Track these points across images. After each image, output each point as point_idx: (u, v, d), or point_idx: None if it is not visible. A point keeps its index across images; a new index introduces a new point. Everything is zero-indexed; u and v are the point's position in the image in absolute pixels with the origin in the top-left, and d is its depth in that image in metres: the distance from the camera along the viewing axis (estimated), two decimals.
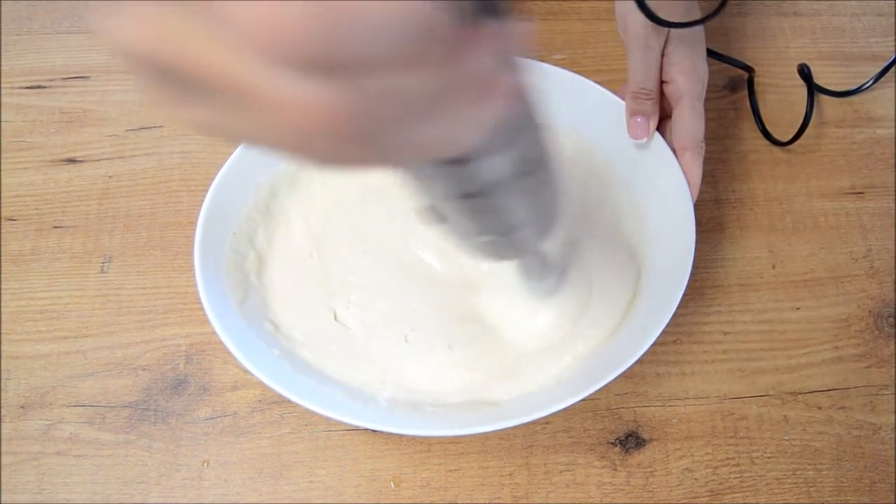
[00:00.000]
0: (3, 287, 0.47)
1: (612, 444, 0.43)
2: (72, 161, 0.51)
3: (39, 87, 0.54)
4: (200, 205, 0.42)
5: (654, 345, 0.37)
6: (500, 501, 0.42)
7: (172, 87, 0.15)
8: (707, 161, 0.45)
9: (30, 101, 0.54)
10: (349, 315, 0.43)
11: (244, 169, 0.44)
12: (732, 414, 0.44)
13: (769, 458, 0.43)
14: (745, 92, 0.54)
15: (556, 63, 0.47)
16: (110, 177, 0.51)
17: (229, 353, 0.37)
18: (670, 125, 0.45)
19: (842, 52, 0.57)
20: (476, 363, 0.41)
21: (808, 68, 0.53)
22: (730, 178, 0.52)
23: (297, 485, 0.42)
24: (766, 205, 0.51)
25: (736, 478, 0.42)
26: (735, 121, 0.54)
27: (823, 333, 0.46)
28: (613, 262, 0.44)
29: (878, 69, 0.54)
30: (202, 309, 0.38)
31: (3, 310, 0.46)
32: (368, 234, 0.45)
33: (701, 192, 0.44)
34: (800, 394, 0.45)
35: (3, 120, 0.53)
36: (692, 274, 0.40)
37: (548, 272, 0.40)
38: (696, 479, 0.42)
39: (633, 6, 0.46)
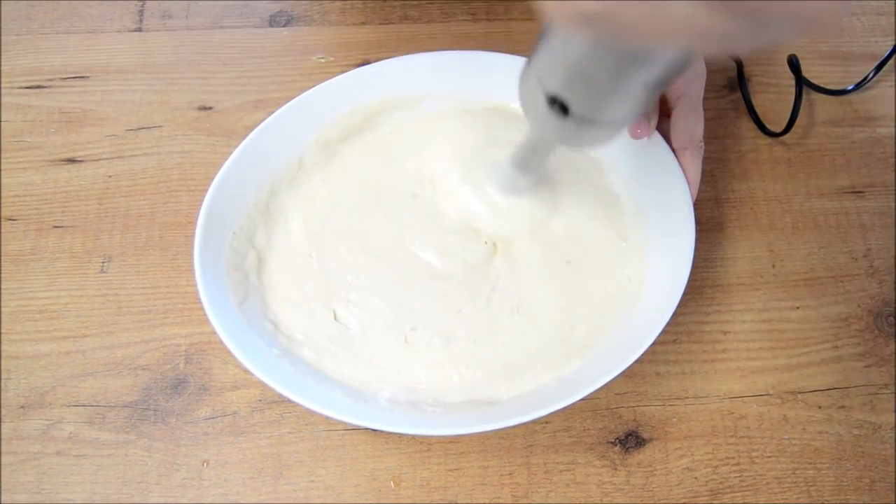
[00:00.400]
0: (2, 287, 0.47)
1: (612, 443, 0.43)
2: (71, 161, 0.51)
3: (39, 86, 0.54)
4: (200, 205, 0.42)
5: (653, 344, 0.38)
6: (500, 501, 0.42)
7: None
8: (706, 160, 0.45)
9: (29, 101, 0.54)
10: (349, 315, 0.43)
11: (244, 169, 0.44)
12: (732, 413, 0.44)
13: (769, 457, 0.43)
14: (739, 87, 0.54)
15: None
16: (110, 177, 0.51)
17: (229, 352, 0.37)
18: (669, 124, 0.45)
19: (841, 51, 0.57)
20: (476, 362, 0.41)
21: (797, 59, 0.53)
22: (729, 178, 0.52)
23: (296, 484, 0.42)
24: (766, 204, 0.51)
25: (736, 477, 0.42)
26: (734, 120, 0.54)
27: (823, 333, 0.46)
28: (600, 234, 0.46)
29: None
30: (202, 309, 0.38)
31: (2, 310, 0.46)
32: (367, 233, 0.45)
33: (700, 191, 0.44)
34: (800, 393, 0.45)
35: (2, 120, 0.53)
36: (692, 273, 0.40)
37: (536, 172, 0.43)
38: (696, 478, 0.42)
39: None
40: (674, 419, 0.44)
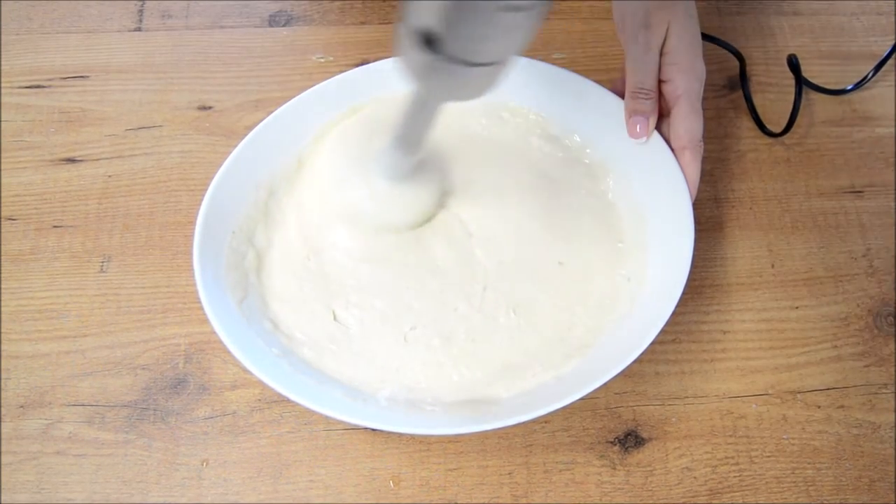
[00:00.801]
0: (2, 287, 0.47)
1: (612, 443, 0.43)
2: (71, 161, 0.51)
3: (39, 86, 0.54)
4: (199, 204, 0.42)
5: (653, 344, 0.38)
6: (500, 500, 0.42)
7: None
8: (706, 160, 0.45)
9: (29, 101, 0.54)
10: (348, 314, 0.43)
11: (243, 168, 0.44)
12: (731, 413, 0.44)
13: (768, 456, 0.43)
14: (740, 85, 0.54)
15: (555, 62, 0.48)
16: (109, 176, 0.51)
17: (228, 352, 0.37)
18: (669, 124, 0.45)
19: (841, 51, 0.57)
20: (475, 361, 0.42)
21: (797, 58, 0.53)
22: (729, 177, 0.52)
23: (296, 484, 0.42)
24: (765, 204, 0.51)
25: (735, 476, 0.42)
26: (734, 119, 0.54)
27: (822, 332, 0.46)
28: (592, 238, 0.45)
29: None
30: (201, 308, 0.38)
31: (2, 309, 0.46)
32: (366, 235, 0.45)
33: (700, 190, 0.44)
34: (799, 393, 0.45)
35: (2, 119, 0.53)
36: (691, 273, 0.40)
37: (416, 149, 0.41)
38: (695, 477, 0.42)
39: (633, 5, 0.46)
40: (673, 419, 0.44)
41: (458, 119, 0.49)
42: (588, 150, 0.48)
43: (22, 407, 0.44)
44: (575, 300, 0.43)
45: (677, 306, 0.39)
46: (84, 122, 0.53)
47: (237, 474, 0.42)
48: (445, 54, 0.30)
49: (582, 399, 0.36)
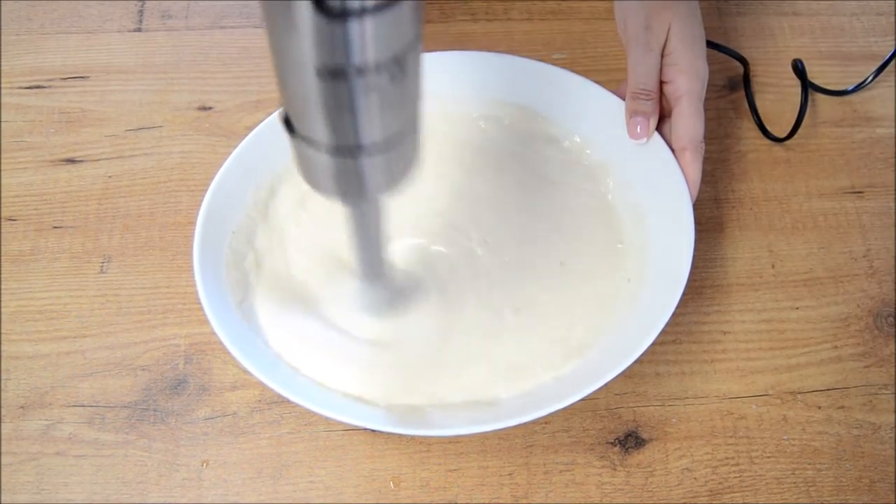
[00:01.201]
0: (2, 287, 0.47)
1: (612, 443, 0.43)
2: (71, 161, 0.51)
3: (39, 87, 0.54)
4: (200, 205, 0.42)
5: (653, 344, 0.37)
6: (500, 501, 0.42)
7: None
8: (706, 161, 0.45)
9: (29, 101, 0.54)
10: (347, 316, 0.43)
11: (243, 169, 0.44)
12: (732, 413, 0.44)
13: (768, 457, 0.43)
14: (744, 89, 0.54)
15: (555, 63, 0.48)
16: (109, 177, 0.51)
17: (228, 352, 0.37)
18: (670, 125, 0.45)
19: (841, 51, 0.57)
20: (475, 362, 0.41)
21: (802, 63, 0.53)
22: (729, 178, 0.52)
23: (296, 485, 0.42)
24: (766, 204, 0.51)
25: (735, 477, 0.42)
26: (735, 120, 0.54)
27: (823, 333, 0.46)
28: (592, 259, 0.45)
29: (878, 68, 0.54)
30: (201, 309, 0.38)
31: (2, 310, 0.46)
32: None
33: (700, 191, 0.44)
34: (799, 393, 0.45)
35: (2, 120, 0.53)
36: (691, 273, 0.40)
37: (381, 271, 0.37)
38: (695, 478, 0.42)
39: (634, 6, 0.46)
40: (673, 419, 0.44)
41: (457, 120, 0.49)
42: (588, 151, 0.48)
43: (22, 407, 0.44)
44: (575, 301, 0.43)
45: (677, 307, 0.39)
46: (84, 123, 0.53)
47: (237, 475, 0.42)
48: (296, 133, 0.26)
49: (582, 400, 0.36)
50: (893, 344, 0.46)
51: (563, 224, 0.46)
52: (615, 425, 0.44)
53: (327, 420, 0.43)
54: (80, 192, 0.50)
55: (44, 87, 0.54)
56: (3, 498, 0.41)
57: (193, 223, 0.41)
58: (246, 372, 0.37)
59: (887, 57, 0.54)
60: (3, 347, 0.45)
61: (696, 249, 0.41)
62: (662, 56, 0.45)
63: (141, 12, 0.58)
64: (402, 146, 0.27)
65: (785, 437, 0.43)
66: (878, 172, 0.52)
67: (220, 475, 0.42)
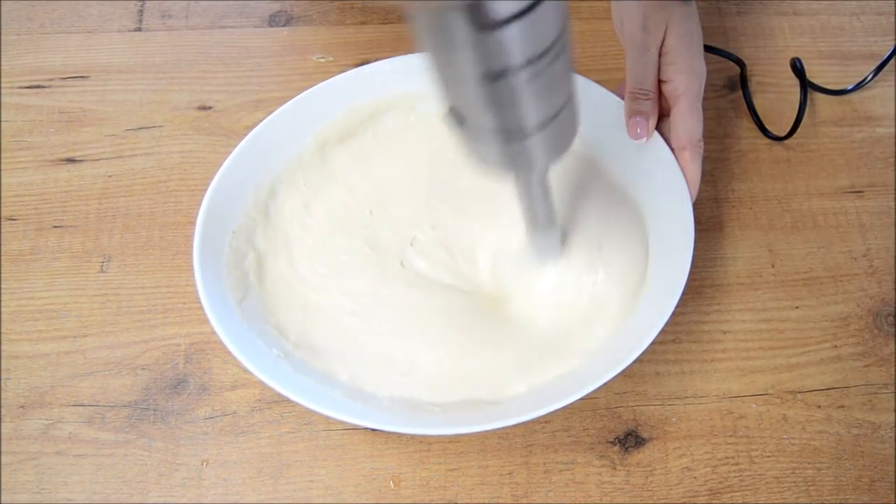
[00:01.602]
0: (2, 287, 0.47)
1: (612, 443, 0.43)
2: (71, 161, 0.51)
3: (39, 86, 0.54)
4: (200, 204, 0.42)
5: (653, 344, 0.37)
6: (500, 500, 0.42)
7: None
8: (706, 160, 0.45)
9: (29, 101, 0.54)
10: (348, 314, 0.43)
11: (243, 168, 0.44)
12: (732, 413, 0.44)
13: (768, 456, 0.43)
14: (741, 90, 0.54)
15: None
16: (109, 176, 0.51)
17: (228, 352, 0.37)
18: (668, 124, 0.45)
19: (841, 51, 0.57)
20: (475, 361, 0.41)
21: (801, 62, 0.53)
22: (729, 177, 0.52)
23: (296, 484, 0.42)
24: (766, 204, 0.51)
25: (735, 476, 0.42)
26: (734, 119, 0.54)
27: (822, 332, 0.46)
28: (620, 232, 0.44)
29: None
30: (202, 308, 0.38)
31: (2, 309, 0.46)
32: (368, 237, 0.45)
33: (700, 191, 0.44)
34: (799, 392, 0.45)
35: (2, 120, 0.53)
36: (691, 273, 0.40)
37: (553, 221, 0.39)
38: (695, 477, 0.42)
39: (630, 6, 0.46)
40: (673, 419, 0.44)
41: None
42: (587, 151, 0.48)
43: (22, 407, 0.44)
44: (574, 300, 0.43)
45: (677, 306, 0.39)
46: (84, 123, 0.53)
47: (237, 474, 0.42)
48: (466, 124, 0.28)
49: (582, 399, 0.36)
50: (893, 343, 0.46)
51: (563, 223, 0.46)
52: (615, 424, 0.44)
53: (327, 419, 0.43)
54: (80, 191, 0.50)
55: (44, 86, 0.54)
56: (3, 497, 0.41)
57: (193, 223, 0.41)
58: (246, 371, 0.37)
59: (886, 55, 0.54)
60: (3, 347, 0.45)
61: (695, 249, 0.41)
62: (660, 56, 0.45)
63: (141, 12, 0.58)
64: (562, 121, 0.29)
65: (785, 437, 0.43)
66: (877, 172, 0.52)
67: (220, 474, 0.42)
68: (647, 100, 0.44)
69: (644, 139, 0.44)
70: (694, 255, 0.40)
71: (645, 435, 0.43)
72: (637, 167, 0.46)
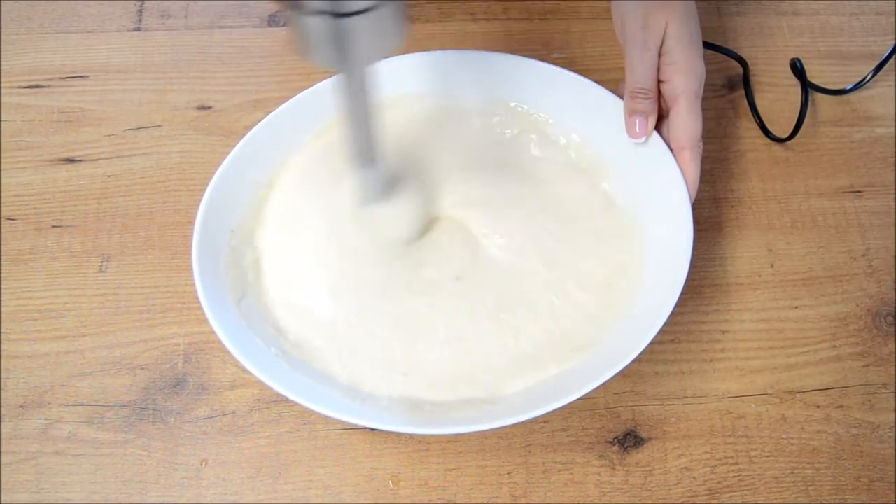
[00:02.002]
0: (2, 286, 0.47)
1: (611, 443, 0.43)
2: (70, 161, 0.51)
3: (38, 86, 0.54)
4: (199, 204, 0.42)
5: (652, 344, 0.37)
6: (499, 500, 0.42)
7: None
8: (705, 160, 0.45)
9: (29, 101, 0.54)
10: (348, 314, 0.43)
11: (242, 168, 0.44)
12: (731, 413, 0.44)
13: (767, 456, 0.43)
14: (744, 90, 0.54)
15: (554, 62, 0.48)
16: (109, 176, 0.51)
17: (227, 351, 0.37)
18: (668, 124, 0.45)
19: (840, 50, 0.57)
20: (474, 361, 0.41)
21: (801, 63, 0.53)
22: (728, 177, 0.52)
23: (295, 484, 0.42)
24: (765, 203, 0.51)
25: (734, 476, 0.42)
26: (733, 119, 0.54)
27: (822, 332, 0.46)
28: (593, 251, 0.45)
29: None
30: (201, 308, 0.38)
31: (2, 309, 0.46)
32: (368, 236, 0.45)
33: (699, 190, 0.44)
34: (798, 392, 0.45)
35: (2, 119, 0.53)
36: (690, 273, 0.40)
37: (374, 157, 0.39)
38: (694, 477, 0.42)
39: (631, 6, 0.46)
40: (672, 419, 0.44)
41: (455, 120, 0.49)
42: (587, 151, 0.48)
43: (21, 407, 0.44)
44: (574, 300, 0.43)
45: (676, 306, 0.39)
46: (83, 122, 0.53)
47: (236, 474, 0.42)
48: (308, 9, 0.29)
49: (581, 399, 0.36)
50: (892, 343, 0.46)
51: (561, 223, 0.46)
52: (614, 424, 0.44)
53: (326, 419, 0.43)
54: (79, 191, 0.50)
55: (43, 86, 0.54)
56: (2, 497, 0.41)
57: (192, 222, 0.41)
58: (245, 371, 0.37)
59: (885, 55, 0.54)
60: (3, 347, 0.45)
61: (694, 249, 0.41)
62: (660, 55, 0.45)
63: (140, 12, 0.58)
64: (383, 15, 0.30)
65: (784, 437, 0.43)
66: (877, 172, 0.52)
67: (220, 474, 0.42)
68: (646, 99, 0.44)
69: (643, 138, 0.44)
70: (693, 255, 0.40)
71: (644, 435, 0.43)
72: (636, 167, 0.46)
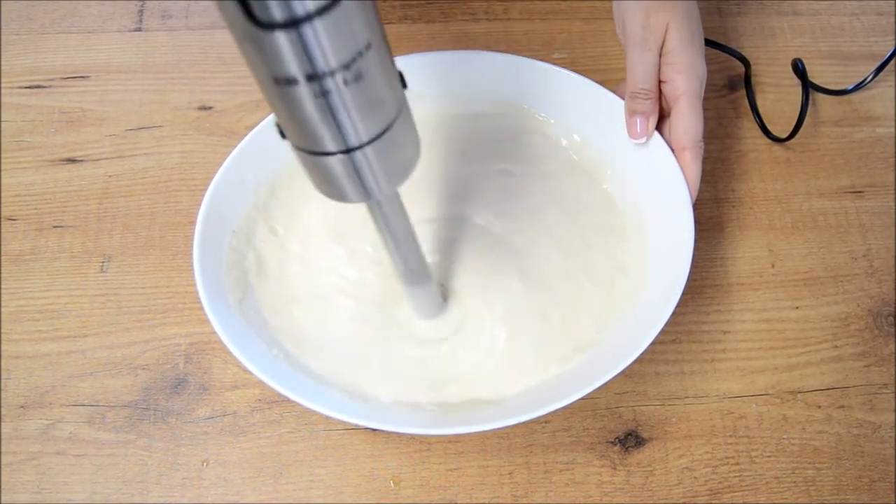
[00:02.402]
0: (3, 287, 0.47)
1: (612, 443, 0.43)
2: (71, 161, 0.51)
3: (39, 86, 0.54)
4: (200, 204, 0.42)
5: (653, 344, 0.37)
6: (500, 500, 0.42)
7: None
8: (706, 160, 0.45)
9: (29, 101, 0.54)
10: (348, 314, 0.43)
11: (243, 168, 0.44)
12: (732, 413, 0.44)
13: (768, 456, 0.43)
14: (745, 90, 0.54)
15: (555, 62, 0.47)
16: (110, 176, 0.51)
17: (229, 352, 0.37)
18: (669, 124, 0.45)
19: (841, 51, 0.57)
20: (475, 361, 0.41)
21: (802, 63, 0.53)
22: (729, 178, 0.52)
23: (296, 484, 0.42)
24: (766, 204, 0.51)
25: (735, 477, 0.42)
26: (734, 120, 0.54)
27: (823, 332, 0.46)
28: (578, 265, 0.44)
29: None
30: (202, 308, 0.38)
31: (3, 309, 0.46)
32: (369, 236, 0.45)
33: (700, 191, 0.44)
34: (799, 393, 0.45)
35: (3, 120, 0.53)
36: (691, 273, 0.40)
37: (426, 274, 0.37)
38: (695, 477, 0.42)
39: (632, 6, 0.46)
40: (673, 419, 0.44)
41: (456, 119, 0.49)
42: (588, 151, 0.48)
43: (22, 407, 0.44)
44: (575, 300, 0.43)
45: (677, 306, 0.39)
46: (84, 123, 0.53)
47: (237, 474, 0.42)
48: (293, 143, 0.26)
49: (582, 399, 0.36)
50: (893, 343, 0.46)
51: (563, 223, 0.46)
52: (615, 424, 0.44)
53: (327, 419, 0.43)
54: (80, 191, 0.50)
55: (44, 86, 0.54)
56: (3, 497, 0.41)
57: (194, 223, 0.41)
58: (246, 371, 0.37)
59: (886, 56, 0.54)
60: (4, 347, 0.45)
61: (695, 249, 0.41)
62: (661, 56, 0.45)
63: (141, 12, 0.58)
64: (388, 144, 0.26)
65: (785, 437, 0.43)
66: (878, 172, 0.52)
67: (221, 474, 0.42)
68: (647, 99, 0.44)
69: (644, 139, 0.44)
70: (694, 256, 0.40)
71: (645, 435, 0.43)
72: (637, 167, 0.46)
